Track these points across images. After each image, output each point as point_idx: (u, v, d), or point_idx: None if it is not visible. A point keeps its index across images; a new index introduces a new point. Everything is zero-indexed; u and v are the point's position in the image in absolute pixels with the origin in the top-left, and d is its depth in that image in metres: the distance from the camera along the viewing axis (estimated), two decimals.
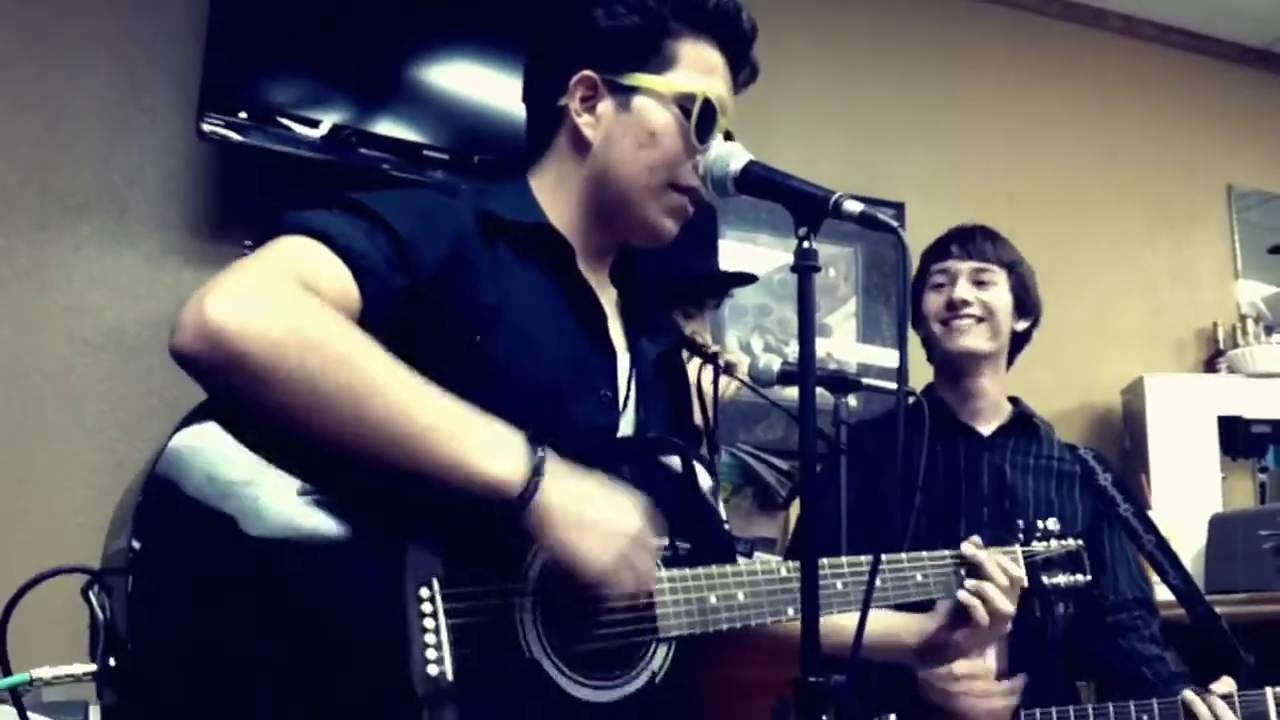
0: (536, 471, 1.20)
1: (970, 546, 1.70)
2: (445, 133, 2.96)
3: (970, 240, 2.43)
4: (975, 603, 1.66)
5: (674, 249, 2.11)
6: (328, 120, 2.83)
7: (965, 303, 2.37)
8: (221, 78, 2.75)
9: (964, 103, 4.11)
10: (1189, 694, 2.06)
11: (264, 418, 1.14)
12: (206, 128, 2.72)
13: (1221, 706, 2.04)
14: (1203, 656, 2.19)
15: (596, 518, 1.24)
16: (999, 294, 2.41)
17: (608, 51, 1.50)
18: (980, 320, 2.38)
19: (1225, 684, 2.08)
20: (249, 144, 2.76)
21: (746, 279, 2.36)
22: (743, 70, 1.58)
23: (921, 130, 4.02)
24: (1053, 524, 1.84)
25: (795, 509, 3.31)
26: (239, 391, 1.14)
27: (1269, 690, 2.06)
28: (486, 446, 1.20)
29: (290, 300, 1.17)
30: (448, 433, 1.18)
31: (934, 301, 2.44)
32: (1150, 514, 2.47)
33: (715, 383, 1.98)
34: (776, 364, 2.08)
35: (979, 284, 2.40)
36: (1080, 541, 1.86)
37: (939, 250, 2.47)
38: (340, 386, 1.14)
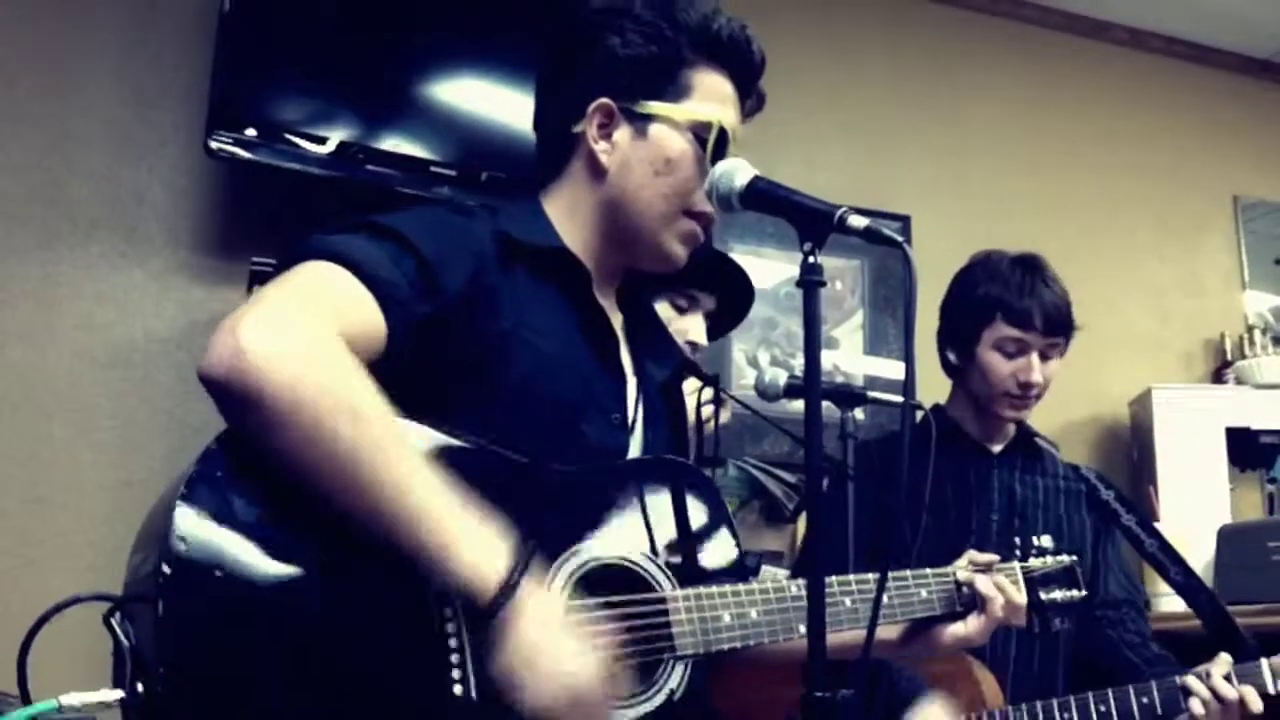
0: (511, 587, 1.18)
1: (964, 573, 1.70)
2: (452, 149, 2.96)
3: (1055, 317, 2.38)
4: (994, 594, 1.66)
5: None
6: (335, 137, 2.84)
7: (1036, 384, 2.39)
8: (229, 95, 2.76)
9: (968, 115, 4.12)
10: (1189, 678, 2.06)
11: (269, 455, 1.14)
12: (214, 145, 2.72)
13: (1221, 684, 2.04)
14: (1214, 650, 2.19)
15: (551, 657, 1.18)
16: (1056, 364, 2.43)
17: (624, 80, 1.52)
18: (1039, 398, 2.42)
19: (1223, 662, 2.08)
20: (257, 161, 2.77)
21: (735, 269, 2.29)
22: (750, 99, 1.60)
23: (926, 143, 4.02)
24: (1047, 541, 1.86)
25: (803, 523, 3.31)
26: (251, 425, 1.14)
27: (1264, 661, 2.07)
28: (473, 545, 1.18)
29: (316, 344, 1.17)
30: (439, 519, 1.17)
31: (1001, 368, 2.39)
32: (1157, 525, 2.49)
33: (716, 406, 1.98)
34: (783, 378, 2.08)
35: (1046, 357, 2.40)
36: (1074, 557, 1.88)
37: (1021, 316, 2.37)
38: (347, 448, 1.14)
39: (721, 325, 2.32)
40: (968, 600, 1.68)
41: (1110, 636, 2.36)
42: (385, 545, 1.15)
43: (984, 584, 1.67)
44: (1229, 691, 2.03)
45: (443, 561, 1.16)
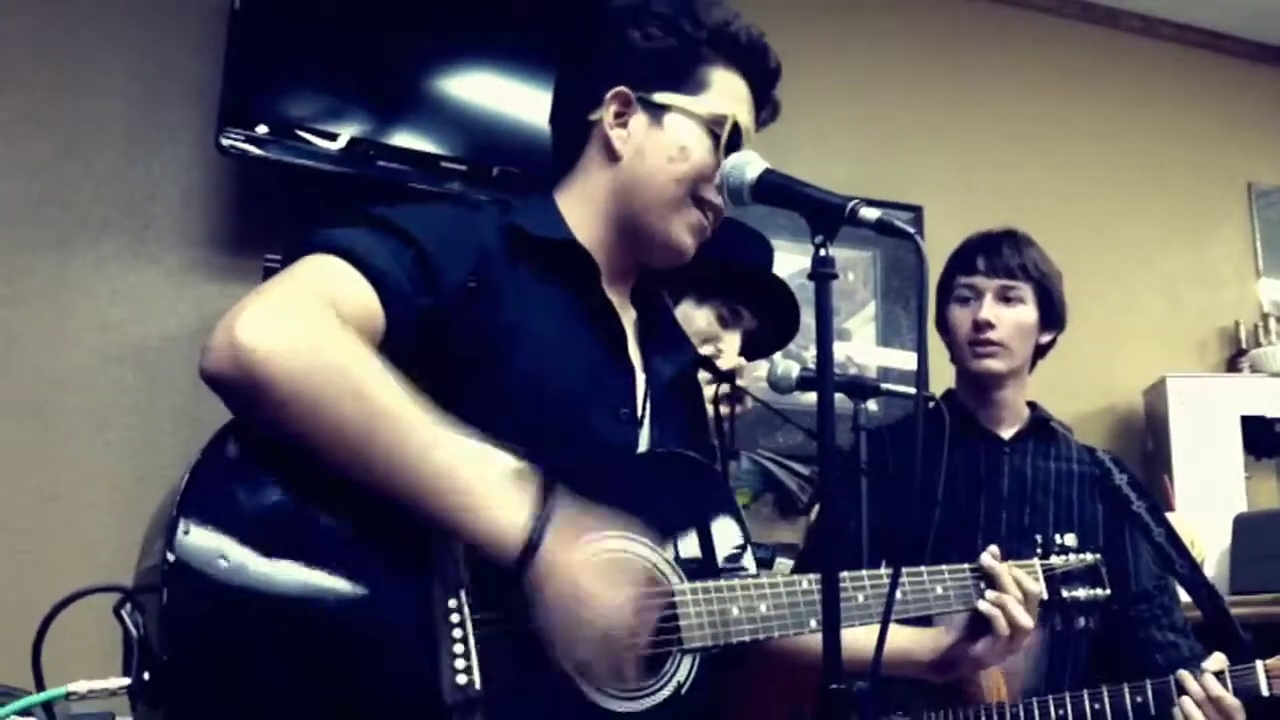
0: (538, 535, 1.18)
1: (988, 558, 1.70)
2: (463, 144, 2.97)
3: (996, 253, 2.40)
4: (996, 613, 1.67)
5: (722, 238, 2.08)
6: (346, 133, 2.85)
7: (989, 324, 2.37)
8: (240, 92, 2.77)
9: (980, 105, 4.10)
10: (1182, 673, 2.06)
11: (283, 442, 1.15)
12: (226, 142, 2.73)
13: (1212, 682, 2.04)
14: (1211, 645, 2.19)
15: (585, 605, 1.20)
16: (1025, 312, 2.40)
17: (642, 70, 1.53)
18: (1003, 345, 2.38)
19: (1217, 661, 2.08)
20: (268, 158, 2.78)
21: (787, 294, 2.23)
22: (765, 108, 1.62)
23: (938, 133, 4.01)
24: (1071, 539, 1.85)
25: (815, 515, 3.30)
26: (260, 415, 1.15)
27: (1259, 663, 2.06)
28: (493, 500, 1.19)
29: (317, 328, 1.18)
30: (456, 479, 1.18)
31: (959, 317, 2.42)
32: (1172, 515, 2.47)
33: (732, 401, 1.97)
34: (795, 370, 2.08)
35: (1005, 300, 2.39)
36: (1099, 555, 1.87)
37: (965, 261, 2.44)
38: (356, 421, 1.15)
39: (761, 347, 2.30)
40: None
41: (1140, 638, 2.33)
42: (409, 513, 1.16)
43: (1003, 574, 1.68)
44: (1219, 691, 2.03)
45: (463, 520, 1.17)
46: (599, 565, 1.25)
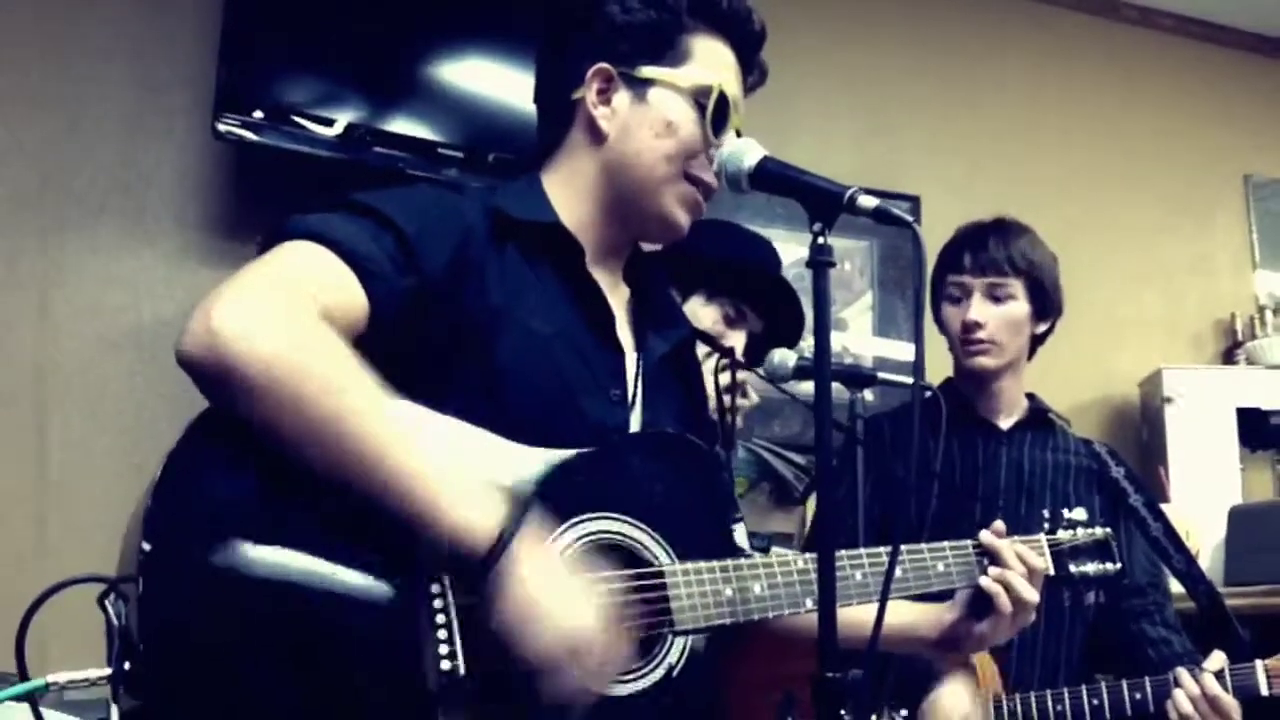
0: (504, 541, 1.17)
1: (989, 535, 1.69)
2: (460, 130, 2.97)
3: (983, 249, 2.38)
4: (998, 590, 1.64)
5: (729, 239, 2.06)
6: (342, 119, 2.84)
7: (978, 325, 2.36)
8: (236, 78, 2.76)
9: (979, 94, 4.10)
10: (1180, 670, 2.07)
11: (252, 430, 1.14)
12: (222, 128, 2.73)
13: (1210, 681, 2.04)
14: (1208, 641, 2.20)
15: (551, 607, 1.17)
16: (1015, 307, 2.38)
17: (623, 45, 1.51)
18: (994, 342, 2.37)
19: (1216, 660, 2.09)
20: (264, 143, 2.77)
21: (793, 299, 2.23)
22: (752, 72, 1.60)
23: (936, 123, 4.01)
24: (1080, 514, 1.83)
25: (812, 503, 3.30)
26: (230, 402, 1.15)
27: (1259, 662, 2.07)
28: (462, 501, 1.17)
29: (291, 318, 1.17)
30: (425, 479, 1.16)
31: (950, 315, 2.42)
32: (1167, 506, 2.47)
33: (733, 393, 1.97)
34: (792, 359, 2.08)
35: (994, 298, 2.38)
36: (1109, 529, 1.86)
37: (953, 258, 2.42)
38: (325, 415, 1.14)
39: (764, 351, 2.29)
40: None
41: (1132, 631, 2.33)
42: (375, 510, 1.15)
43: (1004, 549, 1.66)
44: (1216, 690, 2.04)
45: (431, 519, 1.15)
46: (573, 573, 1.24)
